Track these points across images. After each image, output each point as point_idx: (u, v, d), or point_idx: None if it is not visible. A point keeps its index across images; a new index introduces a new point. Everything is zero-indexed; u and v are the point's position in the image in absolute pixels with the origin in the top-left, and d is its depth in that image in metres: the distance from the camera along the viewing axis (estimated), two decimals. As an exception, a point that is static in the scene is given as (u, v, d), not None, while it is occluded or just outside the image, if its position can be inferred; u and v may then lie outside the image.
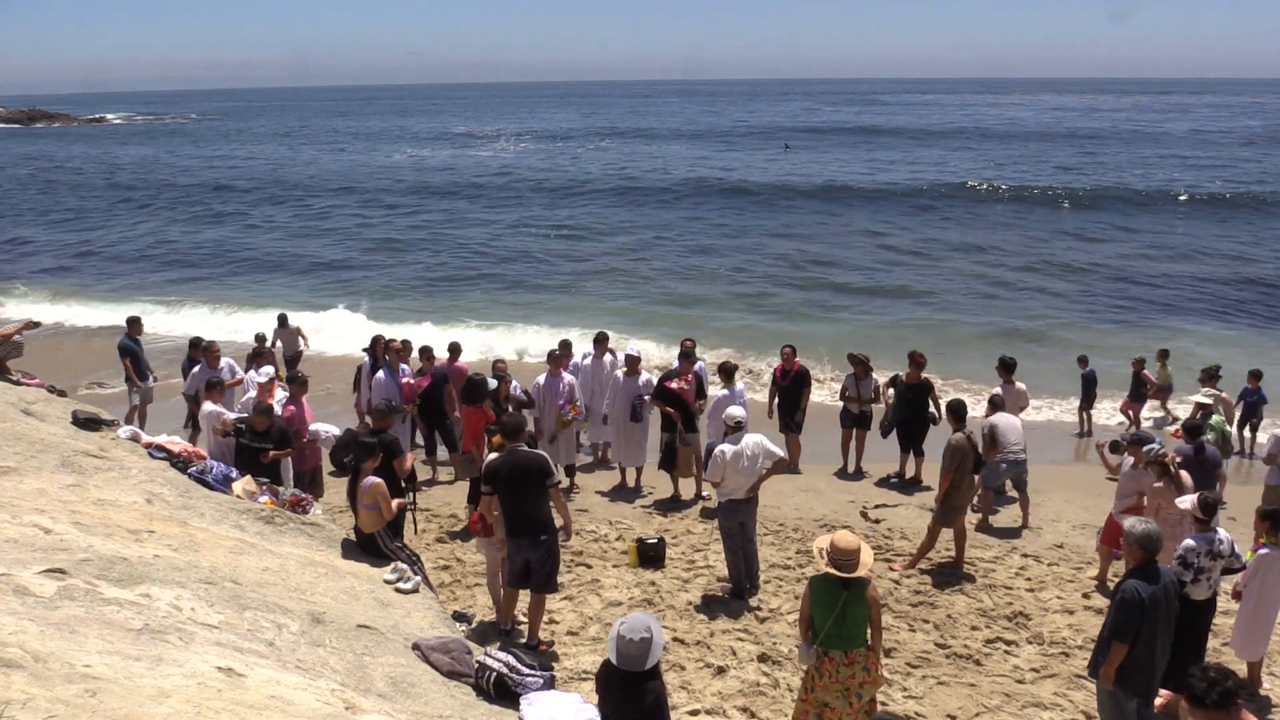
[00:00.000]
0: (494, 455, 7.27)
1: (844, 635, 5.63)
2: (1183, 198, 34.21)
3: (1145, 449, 8.26)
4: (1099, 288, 23.44)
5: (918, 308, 21.82)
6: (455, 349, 11.99)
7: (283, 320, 15.20)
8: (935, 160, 51.29)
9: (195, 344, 12.17)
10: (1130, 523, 5.80)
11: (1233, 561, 6.71)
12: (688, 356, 11.25)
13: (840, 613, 5.58)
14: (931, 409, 11.44)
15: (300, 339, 15.35)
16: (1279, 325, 19.97)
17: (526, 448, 7.14)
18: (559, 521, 7.22)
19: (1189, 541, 6.69)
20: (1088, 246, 28.80)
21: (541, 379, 11.15)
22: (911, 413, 11.43)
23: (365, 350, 12.22)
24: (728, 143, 66.59)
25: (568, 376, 11.15)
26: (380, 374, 11.26)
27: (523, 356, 17.51)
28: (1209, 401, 11.00)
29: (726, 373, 10.87)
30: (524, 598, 7.44)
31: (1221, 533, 6.73)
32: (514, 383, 10.86)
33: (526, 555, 7.10)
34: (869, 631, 5.73)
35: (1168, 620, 5.63)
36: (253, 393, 10.03)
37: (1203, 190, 36.83)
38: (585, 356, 11.97)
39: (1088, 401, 13.83)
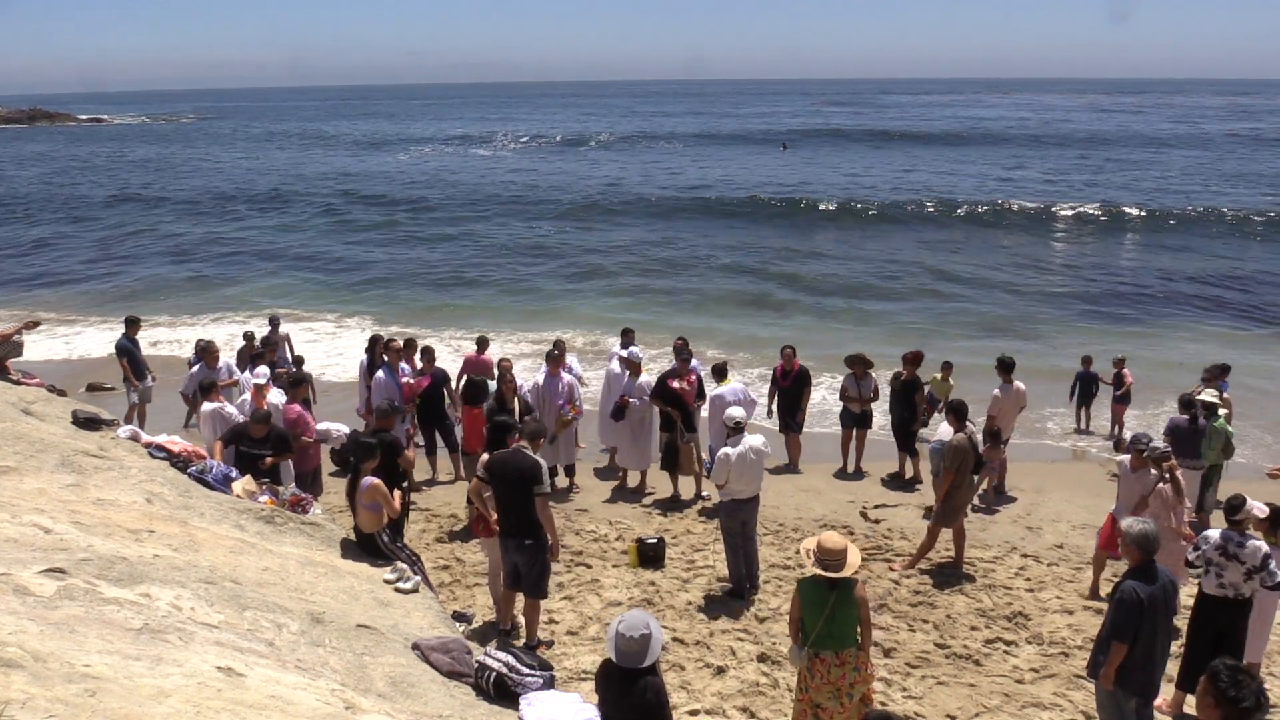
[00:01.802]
0: (498, 450, 7.28)
1: (834, 636, 5.64)
2: (1172, 219, 33.76)
3: (1144, 451, 8.25)
4: (1098, 292, 23.42)
5: (918, 311, 21.80)
6: (483, 342, 11.99)
7: (274, 322, 14.55)
8: (933, 163, 51.19)
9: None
10: (1128, 523, 5.81)
11: (1266, 578, 6.47)
12: (680, 354, 11.24)
13: (830, 613, 5.59)
14: (921, 414, 11.50)
15: (289, 347, 14.92)
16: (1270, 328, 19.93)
17: (529, 452, 7.15)
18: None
19: (1207, 532, 6.81)
20: (1087, 250, 28.78)
21: (540, 379, 11.14)
22: (910, 411, 11.48)
23: (366, 350, 12.19)
24: (727, 143, 66.55)
25: (566, 376, 11.14)
26: (380, 374, 11.22)
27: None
28: (1213, 400, 10.97)
29: (719, 371, 10.90)
30: (522, 598, 7.44)
31: (1255, 542, 6.54)
32: (520, 382, 10.86)
33: (514, 558, 7.13)
34: (859, 631, 5.74)
35: (1167, 620, 5.65)
36: (248, 394, 10.00)
37: (1201, 204, 36.60)
38: (611, 357, 12.10)
39: (1086, 400, 13.83)
